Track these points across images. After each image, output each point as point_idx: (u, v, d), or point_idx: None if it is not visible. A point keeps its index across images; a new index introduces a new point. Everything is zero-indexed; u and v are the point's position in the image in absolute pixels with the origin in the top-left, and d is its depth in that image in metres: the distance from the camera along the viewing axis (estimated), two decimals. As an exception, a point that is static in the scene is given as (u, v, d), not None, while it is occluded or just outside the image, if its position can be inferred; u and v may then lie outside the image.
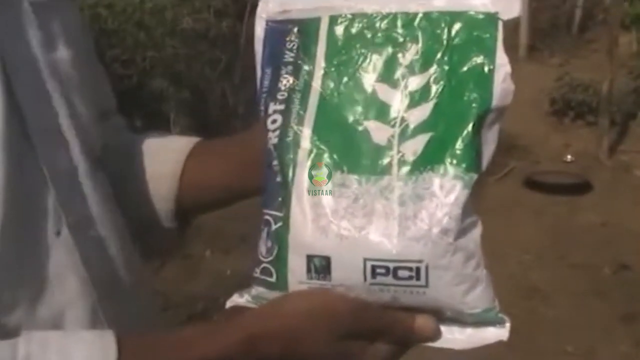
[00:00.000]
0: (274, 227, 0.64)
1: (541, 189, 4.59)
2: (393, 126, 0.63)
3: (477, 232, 0.63)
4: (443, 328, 0.64)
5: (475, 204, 0.62)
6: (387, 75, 0.64)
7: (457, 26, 0.64)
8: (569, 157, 5.15)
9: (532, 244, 3.89)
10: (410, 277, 0.60)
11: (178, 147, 0.84)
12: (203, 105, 4.92)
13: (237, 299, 0.67)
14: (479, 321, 0.64)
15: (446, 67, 0.63)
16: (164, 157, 0.83)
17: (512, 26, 0.64)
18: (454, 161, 0.61)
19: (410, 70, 0.64)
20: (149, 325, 0.78)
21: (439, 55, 0.64)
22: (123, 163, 0.83)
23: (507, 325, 0.64)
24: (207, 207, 0.86)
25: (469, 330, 0.64)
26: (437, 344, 0.65)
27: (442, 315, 0.64)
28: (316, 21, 0.67)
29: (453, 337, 0.65)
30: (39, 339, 0.59)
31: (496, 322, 0.64)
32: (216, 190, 0.83)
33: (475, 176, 0.62)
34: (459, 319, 0.64)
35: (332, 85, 0.65)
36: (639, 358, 2.98)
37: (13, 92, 0.62)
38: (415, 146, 0.62)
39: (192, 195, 0.83)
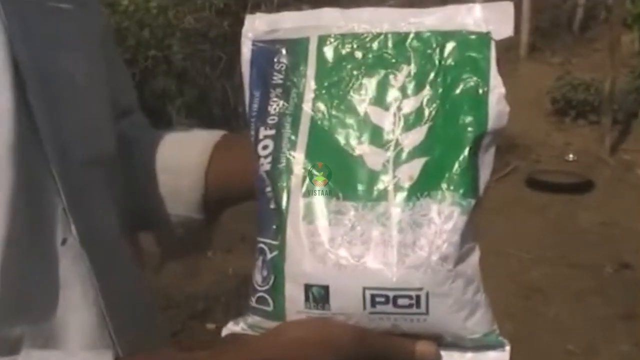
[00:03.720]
0: (269, 255, 0.62)
1: (543, 188, 4.58)
2: (387, 150, 0.61)
3: (475, 258, 0.62)
4: (443, 353, 0.64)
5: (473, 229, 0.62)
6: (379, 98, 0.62)
7: (449, 46, 0.62)
8: (570, 156, 5.14)
9: (534, 243, 3.88)
10: (411, 305, 0.59)
11: (204, 138, 0.83)
12: (205, 104, 4.91)
13: (233, 327, 0.66)
14: (480, 345, 0.63)
15: (439, 89, 0.62)
16: (190, 148, 0.82)
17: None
18: (451, 187, 0.60)
19: (403, 92, 0.62)
20: (152, 330, 0.78)
21: (431, 77, 0.62)
22: (147, 157, 0.82)
23: (507, 348, 0.63)
24: (233, 200, 0.84)
25: (469, 355, 0.64)
26: None
27: (442, 340, 0.63)
28: (305, 41, 0.65)
29: None
30: (37, 358, 0.59)
31: (497, 346, 0.64)
32: (242, 182, 0.80)
33: (472, 202, 0.61)
34: (460, 344, 0.63)
35: (323, 108, 0.63)
36: (640, 357, 2.99)
37: (26, 97, 0.62)
38: (410, 171, 0.61)
39: (218, 187, 0.81)
